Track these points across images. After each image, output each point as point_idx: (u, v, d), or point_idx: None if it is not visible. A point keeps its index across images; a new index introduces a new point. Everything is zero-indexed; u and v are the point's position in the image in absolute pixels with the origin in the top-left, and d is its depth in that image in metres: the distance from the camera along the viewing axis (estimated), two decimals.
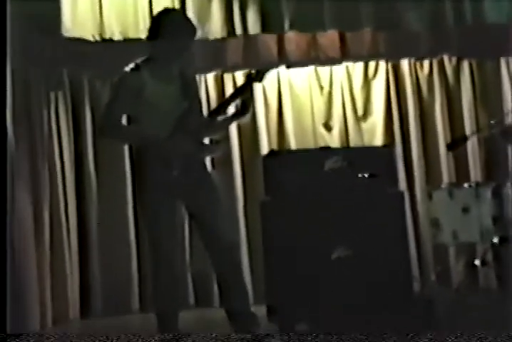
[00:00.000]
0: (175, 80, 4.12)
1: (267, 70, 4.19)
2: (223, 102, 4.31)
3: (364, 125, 6.48)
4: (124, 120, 4.10)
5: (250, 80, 4.19)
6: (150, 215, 4.01)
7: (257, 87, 6.24)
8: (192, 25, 4.13)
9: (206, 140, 4.21)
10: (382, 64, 6.50)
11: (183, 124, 4.04)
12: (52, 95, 5.87)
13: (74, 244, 5.93)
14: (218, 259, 4.06)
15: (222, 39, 6.24)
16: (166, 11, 4.21)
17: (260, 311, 4.45)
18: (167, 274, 4.01)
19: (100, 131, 4.29)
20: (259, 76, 4.16)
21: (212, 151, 4.38)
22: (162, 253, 4.00)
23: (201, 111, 4.33)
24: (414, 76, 6.49)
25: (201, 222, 4.12)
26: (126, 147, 6.13)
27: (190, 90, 4.19)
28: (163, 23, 4.05)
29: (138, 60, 4.05)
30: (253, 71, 4.22)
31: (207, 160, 4.33)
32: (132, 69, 4.00)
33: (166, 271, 4.00)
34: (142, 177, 4.03)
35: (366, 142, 6.41)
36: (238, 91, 4.24)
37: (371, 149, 5.44)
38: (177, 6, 6.01)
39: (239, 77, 6.39)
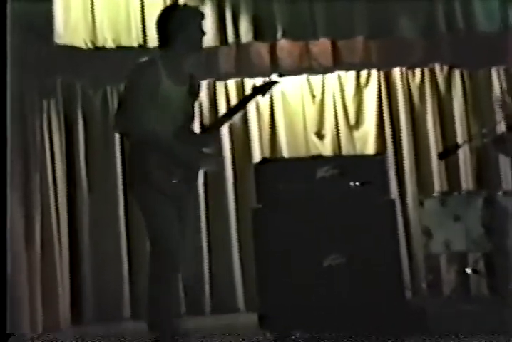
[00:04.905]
0: (185, 80, 3.98)
1: (272, 84, 4.20)
2: (227, 113, 4.29)
3: (356, 134, 6.49)
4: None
5: (255, 92, 4.18)
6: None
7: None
8: (198, 11, 4.01)
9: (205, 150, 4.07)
10: (374, 73, 6.51)
11: (187, 129, 3.97)
12: (45, 103, 5.86)
13: (65, 252, 5.89)
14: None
15: (215, 47, 6.22)
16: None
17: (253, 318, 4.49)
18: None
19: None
20: (265, 90, 4.18)
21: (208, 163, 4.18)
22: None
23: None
24: (406, 85, 6.50)
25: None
26: (119, 157, 6.14)
27: (195, 94, 4.09)
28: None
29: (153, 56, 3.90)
30: (258, 84, 4.21)
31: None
32: (147, 61, 3.85)
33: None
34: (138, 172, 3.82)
35: (358, 150, 6.42)
36: (242, 102, 4.23)
37: (363, 158, 5.45)
38: None
39: (232, 85, 6.41)
